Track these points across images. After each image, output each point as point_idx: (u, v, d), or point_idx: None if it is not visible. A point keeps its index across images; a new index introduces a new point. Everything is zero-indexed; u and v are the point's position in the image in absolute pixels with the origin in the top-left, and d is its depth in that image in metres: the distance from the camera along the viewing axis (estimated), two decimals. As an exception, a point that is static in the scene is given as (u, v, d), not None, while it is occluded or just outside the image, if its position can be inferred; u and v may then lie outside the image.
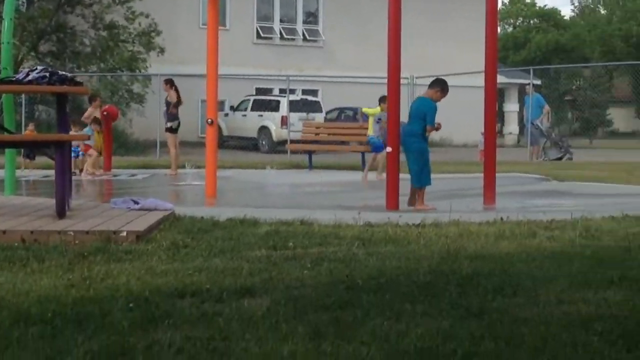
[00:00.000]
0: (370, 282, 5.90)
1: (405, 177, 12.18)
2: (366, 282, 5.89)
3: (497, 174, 12.94)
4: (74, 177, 18.43)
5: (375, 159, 19.45)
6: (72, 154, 19.81)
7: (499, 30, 42.82)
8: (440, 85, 12.49)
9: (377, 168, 19.13)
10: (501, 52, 60.67)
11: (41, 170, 19.54)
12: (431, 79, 12.99)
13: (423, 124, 12.19)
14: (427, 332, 4.62)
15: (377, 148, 19.00)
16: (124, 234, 7.70)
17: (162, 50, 33.49)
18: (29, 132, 21.98)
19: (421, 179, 12.20)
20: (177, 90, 21.07)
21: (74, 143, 19.68)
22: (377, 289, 5.68)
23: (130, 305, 5.13)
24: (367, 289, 5.67)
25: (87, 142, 19.65)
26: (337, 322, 4.86)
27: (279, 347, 4.33)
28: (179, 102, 20.94)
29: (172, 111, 20.96)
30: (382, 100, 18.32)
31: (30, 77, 8.89)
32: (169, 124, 21.07)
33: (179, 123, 21.04)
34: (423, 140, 12.38)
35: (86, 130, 19.90)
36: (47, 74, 8.91)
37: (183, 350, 4.27)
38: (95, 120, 20.66)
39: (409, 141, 12.28)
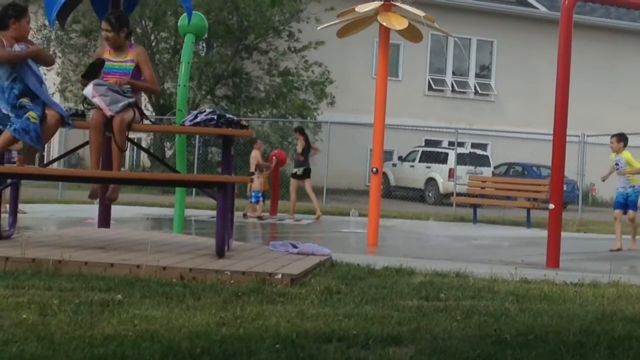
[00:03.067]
0: (518, 337, 5.83)
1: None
2: (514, 337, 5.83)
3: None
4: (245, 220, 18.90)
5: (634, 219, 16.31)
6: (253, 199, 20.28)
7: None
8: None
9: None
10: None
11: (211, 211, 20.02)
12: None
13: None
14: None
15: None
16: (279, 276, 7.81)
17: (332, 102, 33.99)
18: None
19: None
20: (306, 139, 21.60)
21: (255, 188, 20.11)
22: (525, 345, 5.61)
23: (277, 346, 5.21)
24: (514, 344, 5.61)
25: None
26: (479, 375, 4.83)
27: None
28: (306, 149, 21.41)
29: (298, 158, 21.52)
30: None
31: (198, 119, 9.13)
32: (294, 170, 21.61)
33: (305, 169, 21.41)
34: None
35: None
36: (215, 116, 9.11)
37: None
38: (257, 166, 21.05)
39: None
